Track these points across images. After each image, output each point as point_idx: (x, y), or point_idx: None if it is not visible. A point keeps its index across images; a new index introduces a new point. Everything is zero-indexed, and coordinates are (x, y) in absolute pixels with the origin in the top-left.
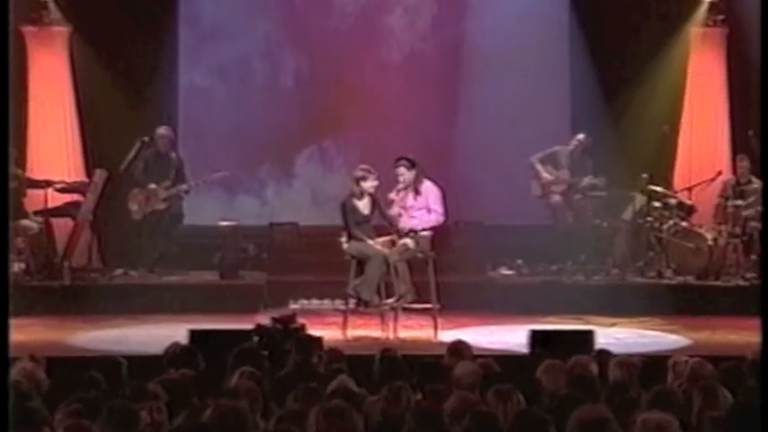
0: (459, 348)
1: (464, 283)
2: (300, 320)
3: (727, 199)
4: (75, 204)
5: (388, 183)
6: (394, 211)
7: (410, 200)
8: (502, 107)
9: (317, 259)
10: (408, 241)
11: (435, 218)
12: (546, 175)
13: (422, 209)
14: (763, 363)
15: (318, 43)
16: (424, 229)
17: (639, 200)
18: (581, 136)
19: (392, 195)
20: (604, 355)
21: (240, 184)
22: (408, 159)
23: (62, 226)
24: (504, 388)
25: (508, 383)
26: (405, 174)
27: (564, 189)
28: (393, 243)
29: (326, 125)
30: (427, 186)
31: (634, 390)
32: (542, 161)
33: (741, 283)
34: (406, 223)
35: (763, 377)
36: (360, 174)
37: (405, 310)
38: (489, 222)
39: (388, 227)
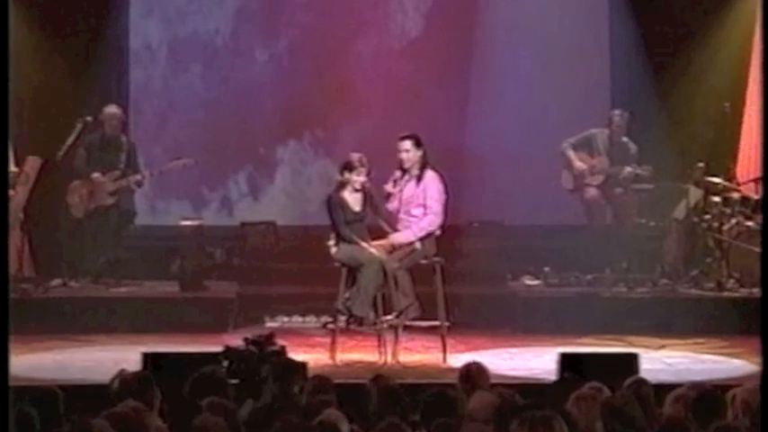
0: (472, 372)
1: (479, 296)
2: (279, 342)
3: None
4: None
5: (383, 181)
6: (393, 205)
7: (411, 188)
8: (525, 86)
9: (300, 266)
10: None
11: (430, 220)
12: (579, 164)
13: (420, 205)
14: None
15: (300, 24)
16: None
17: (694, 194)
18: (622, 116)
19: (389, 188)
20: (649, 384)
21: (206, 176)
22: (415, 136)
23: None
24: (541, 415)
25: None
26: (411, 151)
27: (601, 181)
28: (393, 247)
29: (311, 119)
30: (429, 176)
31: (688, 426)
32: (575, 147)
33: None
34: (403, 223)
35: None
36: (351, 162)
37: (407, 328)
38: (510, 222)
39: (384, 227)
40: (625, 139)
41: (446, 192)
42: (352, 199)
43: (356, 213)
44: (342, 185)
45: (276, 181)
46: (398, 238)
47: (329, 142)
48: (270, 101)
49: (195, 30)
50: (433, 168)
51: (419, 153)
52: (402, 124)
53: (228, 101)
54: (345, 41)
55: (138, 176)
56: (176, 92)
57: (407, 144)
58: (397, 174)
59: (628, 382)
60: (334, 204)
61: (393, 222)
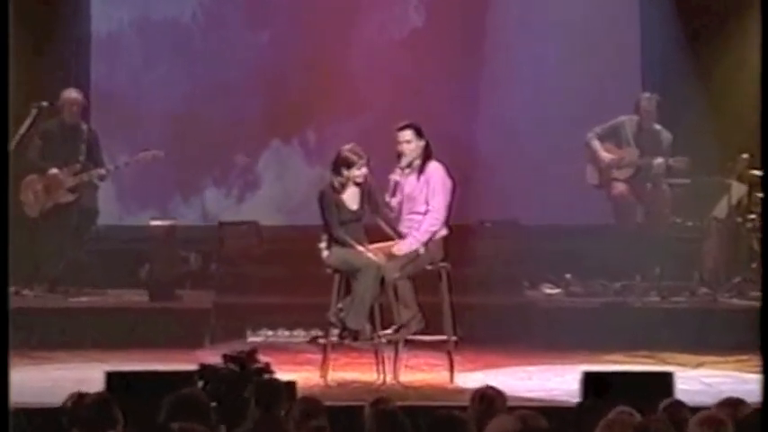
0: (487, 397)
1: (491, 306)
2: (263, 358)
3: None
4: None
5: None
6: (396, 199)
7: (412, 182)
8: (541, 72)
9: (286, 273)
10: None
11: (431, 220)
12: (606, 156)
13: (424, 202)
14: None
15: (290, 10)
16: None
17: (737, 190)
18: (651, 100)
19: (396, 176)
20: (687, 407)
21: (180, 175)
22: (415, 125)
23: None
24: None
25: None
26: (413, 142)
27: (630, 174)
28: (393, 254)
29: (302, 116)
30: (432, 168)
31: None
32: (601, 137)
33: None
34: (406, 223)
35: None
36: (346, 158)
37: (408, 343)
38: (527, 222)
39: (384, 228)
40: (657, 126)
41: (453, 184)
42: (350, 195)
43: (353, 212)
44: (341, 186)
45: (261, 185)
46: (401, 248)
47: (322, 141)
48: (254, 96)
49: (168, 14)
50: (437, 159)
51: (421, 143)
52: (403, 122)
53: (207, 93)
54: (340, 31)
55: (102, 170)
56: (145, 83)
57: (408, 134)
58: (404, 161)
59: (662, 404)
60: (327, 201)
61: (394, 223)
